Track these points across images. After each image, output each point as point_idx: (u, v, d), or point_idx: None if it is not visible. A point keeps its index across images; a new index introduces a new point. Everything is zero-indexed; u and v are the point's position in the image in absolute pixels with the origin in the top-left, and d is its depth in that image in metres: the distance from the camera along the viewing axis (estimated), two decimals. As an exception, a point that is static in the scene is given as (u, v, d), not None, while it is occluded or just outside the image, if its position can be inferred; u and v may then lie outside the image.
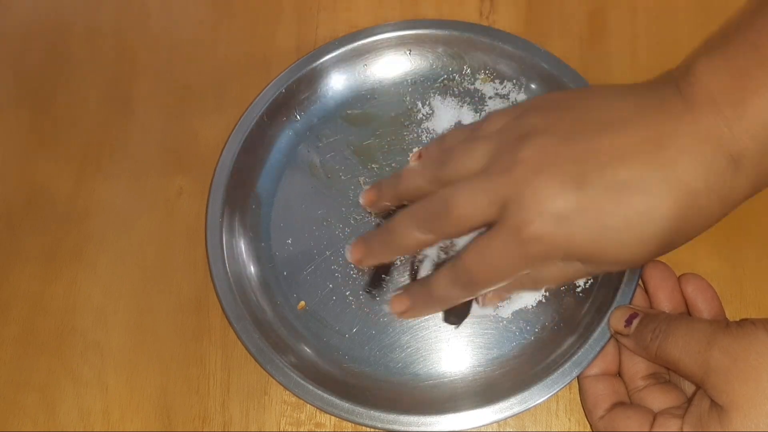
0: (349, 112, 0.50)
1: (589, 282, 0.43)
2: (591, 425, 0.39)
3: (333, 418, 0.42)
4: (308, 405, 0.42)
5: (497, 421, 0.39)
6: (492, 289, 0.38)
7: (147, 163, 0.50)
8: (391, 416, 0.39)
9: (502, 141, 0.37)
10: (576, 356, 0.39)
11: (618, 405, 0.38)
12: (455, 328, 0.43)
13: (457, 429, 0.39)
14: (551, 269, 0.37)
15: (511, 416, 0.39)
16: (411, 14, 0.52)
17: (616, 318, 0.39)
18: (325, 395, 0.40)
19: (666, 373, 0.40)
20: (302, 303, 0.45)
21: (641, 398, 0.38)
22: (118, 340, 0.45)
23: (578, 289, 0.43)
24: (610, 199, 0.33)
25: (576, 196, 0.33)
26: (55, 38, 0.54)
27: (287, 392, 0.43)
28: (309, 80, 0.49)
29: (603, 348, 0.39)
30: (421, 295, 0.41)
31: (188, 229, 0.47)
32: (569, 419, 0.42)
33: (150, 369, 0.44)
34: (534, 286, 0.40)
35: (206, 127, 0.50)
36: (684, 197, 0.32)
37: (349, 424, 0.42)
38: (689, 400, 0.36)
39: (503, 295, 0.42)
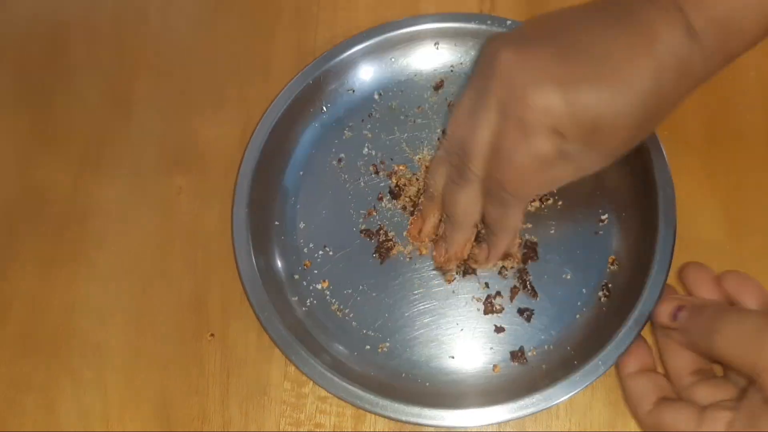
0: (375, 105, 0.50)
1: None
2: (638, 421, 0.39)
3: (332, 418, 0.42)
4: (308, 405, 0.43)
5: (520, 418, 0.39)
6: (528, 192, 0.39)
7: (146, 163, 0.50)
8: (416, 409, 0.39)
9: None
10: (602, 354, 0.39)
11: (664, 399, 0.38)
12: None
13: (479, 424, 0.39)
14: (562, 160, 0.36)
15: (535, 412, 0.39)
16: (411, 13, 0.52)
17: (661, 311, 0.39)
18: (351, 387, 0.40)
19: (711, 369, 0.39)
20: (325, 282, 0.45)
21: (690, 395, 0.38)
22: (118, 340, 0.45)
23: (600, 295, 0.43)
24: (598, 67, 0.34)
25: (563, 66, 0.34)
26: (54, 38, 0.54)
27: (286, 392, 0.43)
28: (336, 72, 0.49)
29: (629, 347, 0.39)
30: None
31: (188, 229, 0.47)
32: (569, 420, 0.42)
33: (149, 369, 0.44)
34: (552, 181, 0.39)
35: (206, 127, 0.50)
36: (654, 62, 0.33)
37: (349, 425, 0.42)
38: (742, 393, 0.35)
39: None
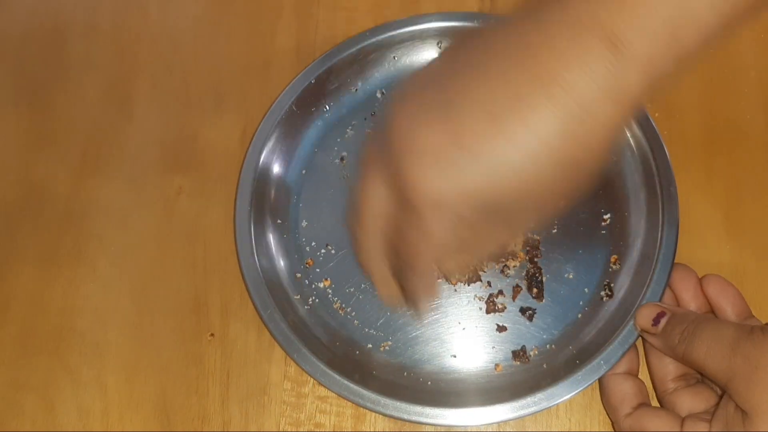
0: (378, 103, 0.50)
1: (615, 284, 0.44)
2: (614, 422, 0.39)
3: (332, 418, 0.42)
4: (308, 405, 0.43)
5: (522, 417, 0.39)
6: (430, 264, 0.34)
7: (146, 163, 0.49)
8: (417, 408, 0.39)
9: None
10: (604, 353, 0.39)
11: (643, 405, 0.38)
12: None
13: (481, 423, 0.39)
14: (472, 233, 0.32)
15: (537, 412, 0.39)
16: (411, 13, 0.52)
17: (643, 316, 0.39)
18: (353, 386, 0.40)
19: (696, 374, 0.39)
20: (327, 281, 0.45)
21: (671, 402, 0.38)
22: (117, 340, 0.45)
23: (602, 294, 0.44)
24: (486, 122, 0.27)
25: (447, 128, 0.28)
26: (54, 38, 0.54)
27: (286, 392, 0.43)
28: (338, 71, 0.49)
29: (631, 346, 0.40)
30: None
31: (187, 229, 0.47)
32: (569, 419, 0.42)
33: (149, 369, 0.44)
34: (473, 255, 0.36)
35: (206, 127, 0.50)
36: (564, 97, 0.26)
37: (349, 425, 0.42)
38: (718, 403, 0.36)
39: (463, 269, 0.41)
